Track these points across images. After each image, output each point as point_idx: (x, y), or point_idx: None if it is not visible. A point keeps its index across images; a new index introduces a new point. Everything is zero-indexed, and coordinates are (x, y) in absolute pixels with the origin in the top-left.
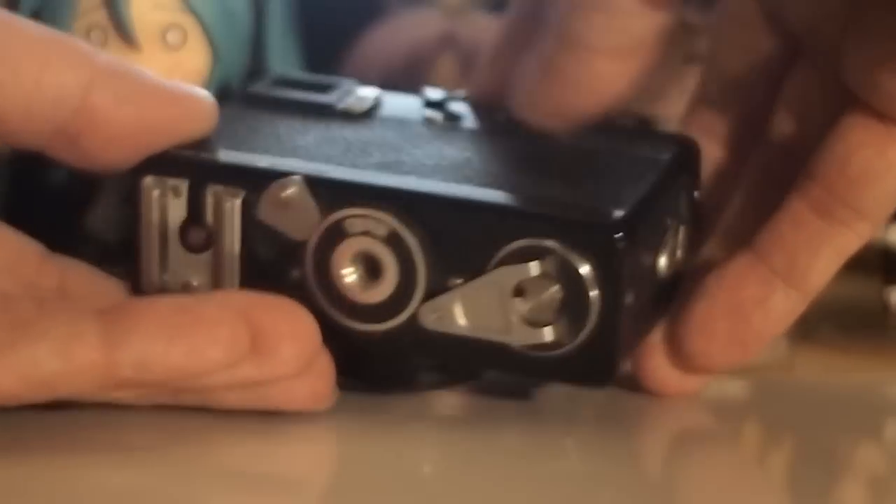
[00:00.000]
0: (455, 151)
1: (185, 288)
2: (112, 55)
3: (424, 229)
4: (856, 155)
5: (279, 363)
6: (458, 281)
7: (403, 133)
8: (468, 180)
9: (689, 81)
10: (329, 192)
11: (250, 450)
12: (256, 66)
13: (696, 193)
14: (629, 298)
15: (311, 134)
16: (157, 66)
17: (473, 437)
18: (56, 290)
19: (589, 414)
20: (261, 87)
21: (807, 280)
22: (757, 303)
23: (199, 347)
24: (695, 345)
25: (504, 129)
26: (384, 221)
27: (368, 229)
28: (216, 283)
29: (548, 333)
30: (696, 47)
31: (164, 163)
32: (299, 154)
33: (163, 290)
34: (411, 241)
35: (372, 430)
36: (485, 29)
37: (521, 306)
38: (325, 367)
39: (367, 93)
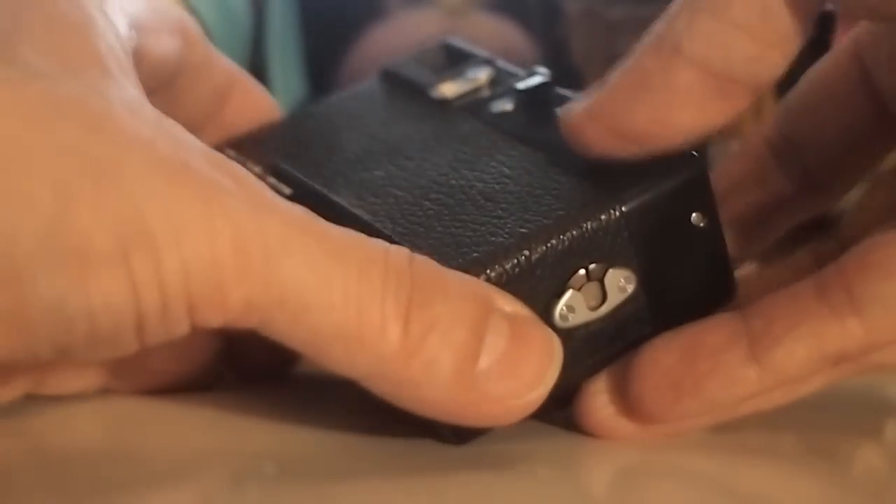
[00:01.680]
0: (429, 181)
1: None
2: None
3: None
4: (887, 246)
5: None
6: None
7: (438, 134)
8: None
9: None
10: None
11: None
12: (256, 66)
13: (695, 217)
14: None
15: (360, 132)
16: None
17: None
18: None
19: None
20: (407, 61)
21: (771, 354)
22: (712, 351)
23: None
24: (635, 368)
25: (520, 136)
26: None
27: None
28: None
29: None
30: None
31: (244, 142)
32: (312, 164)
33: None
34: None
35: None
36: (485, 29)
37: None
38: None
39: (481, 75)
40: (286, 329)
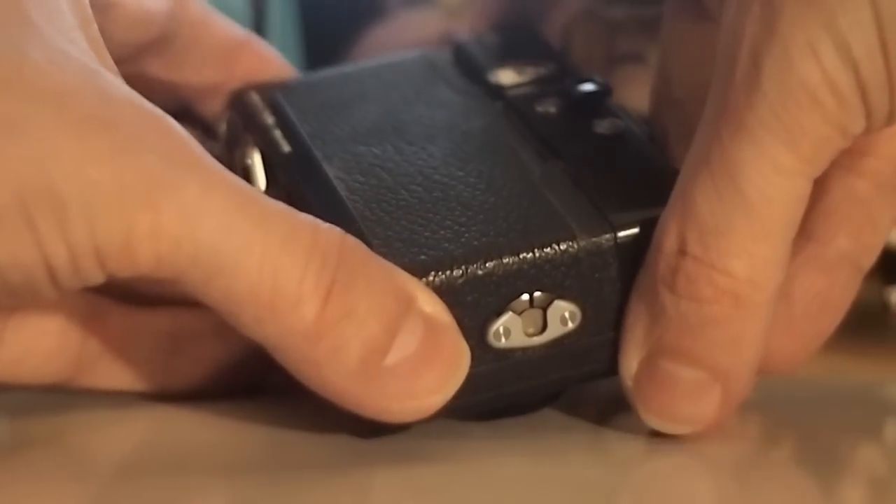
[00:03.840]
0: (426, 169)
1: None
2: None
3: None
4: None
5: None
6: None
7: (451, 123)
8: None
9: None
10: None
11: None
12: None
13: None
14: None
15: (381, 104)
16: None
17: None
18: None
19: (590, 415)
20: (476, 41)
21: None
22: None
23: None
24: None
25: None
26: None
27: None
28: None
29: None
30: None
31: (268, 88)
32: (322, 127)
33: None
34: None
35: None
36: None
37: None
38: None
39: (542, 69)
40: (199, 287)
